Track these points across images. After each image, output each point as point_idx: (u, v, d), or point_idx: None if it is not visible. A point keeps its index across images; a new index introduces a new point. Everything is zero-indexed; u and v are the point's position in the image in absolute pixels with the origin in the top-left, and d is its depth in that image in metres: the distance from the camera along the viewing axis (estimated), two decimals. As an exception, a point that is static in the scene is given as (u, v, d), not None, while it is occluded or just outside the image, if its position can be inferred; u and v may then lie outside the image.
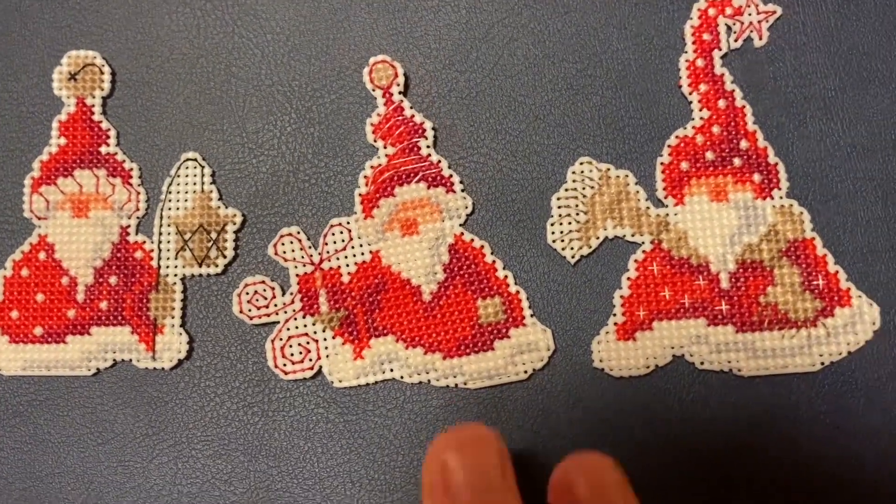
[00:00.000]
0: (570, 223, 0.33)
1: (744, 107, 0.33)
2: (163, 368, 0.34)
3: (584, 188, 0.33)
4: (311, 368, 0.33)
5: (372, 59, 0.34)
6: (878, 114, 0.33)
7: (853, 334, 0.32)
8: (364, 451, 0.33)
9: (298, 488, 0.33)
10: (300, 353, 0.33)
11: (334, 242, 0.34)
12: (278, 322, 0.33)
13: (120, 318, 0.34)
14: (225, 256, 0.34)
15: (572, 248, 0.33)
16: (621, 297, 0.33)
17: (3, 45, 0.36)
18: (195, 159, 0.35)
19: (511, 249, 0.34)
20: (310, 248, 0.34)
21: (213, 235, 0.34)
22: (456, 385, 0.32)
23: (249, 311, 0.33)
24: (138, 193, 0.35)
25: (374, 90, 0.34)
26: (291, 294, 0.33)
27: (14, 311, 0.34)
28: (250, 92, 0.35)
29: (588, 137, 0.34)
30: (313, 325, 0.33)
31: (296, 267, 0.34)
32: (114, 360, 0.34)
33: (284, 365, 0.33)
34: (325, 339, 0.33)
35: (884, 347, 0.32)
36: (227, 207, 0.34)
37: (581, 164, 0.34)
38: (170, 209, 0.34)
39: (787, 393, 0.32)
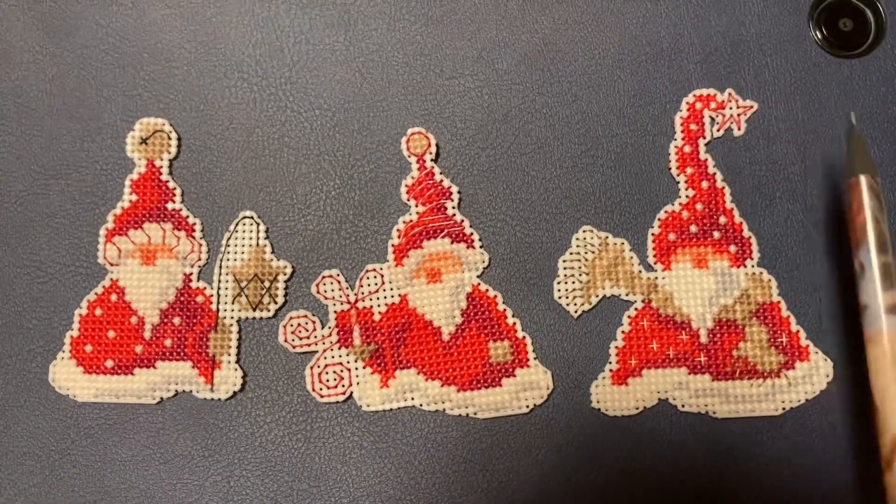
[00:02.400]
0: (573, 282, 0.40)
1: (723, 188, 0.41)
2: (219, 399, 0.40)
3: (585, 253, 0.40)
4: (344, 393, 0.39)
5: (409, 130, 0.41)
6: (837, 197, 0.41)
7: (810, 384, 0.39)
8: (393, 475, 0.39)
9: (335, 505, 0.39)
10: (335, 379, 0.40)
11: (368, 285, 0.40)
12: (317, 351, 0.40)
13: (182, 354, 0.40)
14: (276, 303, 0.40)
15: (575, 304, 0.40)
16: (616, 347, 0.40)
17: (81, 110, 0.43)
18: (251, 217, 0.41)
19: (522, 303, 0.40)
20: (347, 289, 0.40)
21: (267, 284, 0.40)
22: (468, 414, 0.39)
23: (292, 340, 0.40)
24: (200, 245, 0.41)
25: (409, 157, 0.41)
26: (329, 328, 0.40)
27: (88, 346, 0.40)
28: (300, 160, 0.42)
29: (590, 208, 0.41)
30: (347, 355, 0.40)
31: (334, 305, 0.40)
32: (176, 390, 0.40)
33: (321, 389, 0.40)
34: (356, 369, 0.40)
35: (835, 396, 0.39)
36: (278, 260, 0.41)
37: (584, 231, 0.40)
38: (228, 260, 0.41)
39: (754, 433, 0.39)
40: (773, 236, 0.40)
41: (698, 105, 0.41)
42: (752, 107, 0.41)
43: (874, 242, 0.35)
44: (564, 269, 0.40)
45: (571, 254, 0.40)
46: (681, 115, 0.41)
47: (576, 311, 0.40)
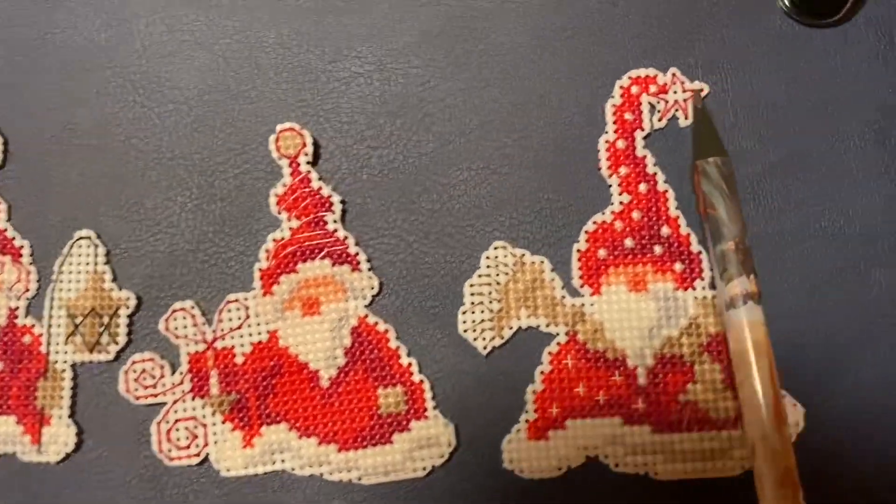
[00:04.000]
0: (482, 311, 0.34)
1: (666, 191, 0.34)
2: (49, 462, 0.34)
3: (497, 274, 0.34)
4: (198, 455, 0.33)
5: (279, 127, 0.35)
6: (809, 200, 0.35)
7: (777, 435, 0.32)
8: (260, 554, 0.33)
9: None
10: (187, 437, 0.33)
11: (230, 320, 0.34)
12: (166, 403, 0.34)
13: (5, 406, 0.34)
14: (117, 343, 0.34)
15: (484, 339, 0.34)
16: (534, 392, 0.33)
17: None
18: (89, 237, 0.35)
19: (420, 337, 0.34)
20: (203, 324, 0.34)
21: (105, 320, 0.34)
22: (350, 480, 0.33)
23: (136, 390, 0.34)
24: (28, 273, 0.35)
25: (279, 159, 0.35)
26: (181, 374, 0.34)
27: None
28: (150, 165, 0.36)
29: (504, 220, 0.35)
30: (202, 408, 0.34)
31: (187, 344, 0.34)
32: (-4, 452, 0.34)
33: (169, 450, 0.33)
34: (213, 424, 0.34)
35: (808, 452, 0.32)
36: (120, 290, 0.35)
37: (495, 248, 0.34)
38: (61, 290, 0.35)
39: (707, 499, 0.32)
40: (729, 250, 0.34)
41: (634, 89, 0.35)
42: (701, 90, 0.35)
43: (709, 231, 0.33)
44: (472, 294, 0.34)
45: (480, 276, 0.34)
46: (613, 103, 0.35)
47: (485, 347, 0.34)
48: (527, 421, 0.33)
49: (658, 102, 0.35)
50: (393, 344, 0.34)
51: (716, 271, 0.32)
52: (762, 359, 0.30)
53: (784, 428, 0.30)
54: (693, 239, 0.34)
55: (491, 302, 0.34)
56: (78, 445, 0.34)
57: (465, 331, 0.34)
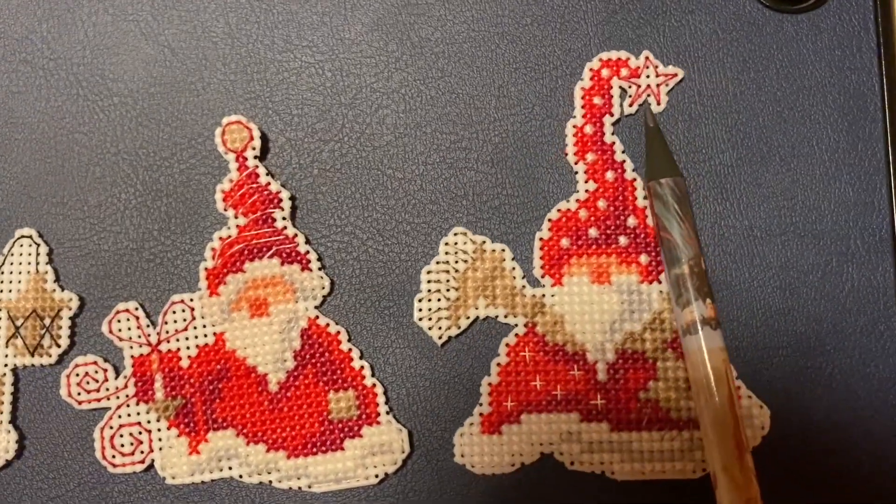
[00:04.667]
0: (439, 299, 0.33)
1: (634, 180, 0.33)
2: (-12, 469, 0.33)
3: (456, 262, 0.33)
4: (143, 462, 0.33)
5: (225, 120, 0.34)
6: (778, 193, 0.34)
7: (741, 437, 0.32)
8: (208, 564, 0.33)
9: None
10: (131, 443, 0.33)
11: (175, 322, 0.33)
12: (109, 408, 0.33)
13: (-58, 412, 0.33)
14: (59, 345, 0.33)
15: (440, 328, 0.33)
16: (489, 384, 0.32)
17: None
18: (30, 236, 0.34)
19: (374, 339, 0.34)
20: (148, 326, 0.33)
21: (47, 322, 0.34)
22: (300, 488, 0.32)
23: (78, 394, 0.33)
24: (-34, 273, 0.34)
25: (226, 154, 0.34)
26: (125, 377, 0.33)
27: None
28: (93, 161, 0.35)
29: (462, 216, 0.34)
30: (147, 413, 0.33)
31: (131, 347, 0.33)
32: (-67, 460, 0.33)
33: (113, 457, 0.33)
34: (158, 430, 0.33)
35: (772, 455, 0.32)
36: (62, 290, 0.34)
37: (455, 234, 0.33)
38: (1, 291, 0.34)
39: (665, 500, 0.32)
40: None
41: (605, 72, 0.34)
42: (675, 74, 0.34)
43: (663, 255, 0.32)
44: (429, 282, 0.33)
45: (438, 263, 0.33)
46: (582, 86, 0.34)
47: (440, 337, 0.33)
48: (480, 414, 0.32)
49: (629, 87, 0.34)
50: (345, 346, 0.33)
51: (671, 296, 0.31)
52: (722, 387, 0.30)
53: (746, 457, 0.29)
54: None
55: (448, 290, 0.33)
56: (19, 452, 0.33)
57: (421, 319, 0.33)
